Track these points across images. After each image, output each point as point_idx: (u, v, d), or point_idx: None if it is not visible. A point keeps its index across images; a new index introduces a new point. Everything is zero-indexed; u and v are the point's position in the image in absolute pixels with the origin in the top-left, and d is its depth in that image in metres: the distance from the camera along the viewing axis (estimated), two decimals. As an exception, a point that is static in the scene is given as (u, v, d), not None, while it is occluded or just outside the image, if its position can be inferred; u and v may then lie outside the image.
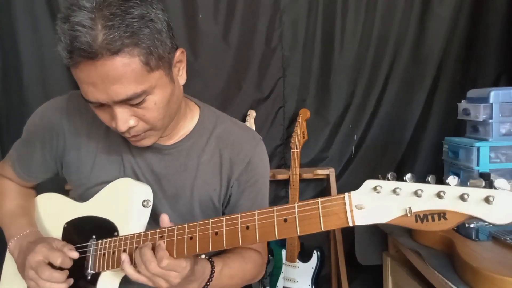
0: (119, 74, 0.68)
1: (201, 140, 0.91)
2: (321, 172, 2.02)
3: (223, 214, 0.95)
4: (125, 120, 0.74)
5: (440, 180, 0.57)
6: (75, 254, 0.84)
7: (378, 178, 0.61)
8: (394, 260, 1.65)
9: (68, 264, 0.84)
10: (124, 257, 0.76)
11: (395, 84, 2.07)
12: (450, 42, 2.05)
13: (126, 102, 0.72)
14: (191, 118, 0.92)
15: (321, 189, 2.14)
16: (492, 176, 1.36)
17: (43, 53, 1.89)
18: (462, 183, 0.56)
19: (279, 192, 2.10)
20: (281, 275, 2.02)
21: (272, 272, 2.04)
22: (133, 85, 0.70)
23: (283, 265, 2.02)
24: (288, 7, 2.01)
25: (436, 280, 1.22)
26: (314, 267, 1.99)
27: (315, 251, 2.00)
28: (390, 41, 2.04)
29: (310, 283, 1.98)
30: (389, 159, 2.11)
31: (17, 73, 1.89)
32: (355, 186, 0.61)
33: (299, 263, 2.00)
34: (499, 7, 2.00)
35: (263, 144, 0.96)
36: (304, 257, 2.01)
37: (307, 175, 2.00)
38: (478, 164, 1.44)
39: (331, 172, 2.01)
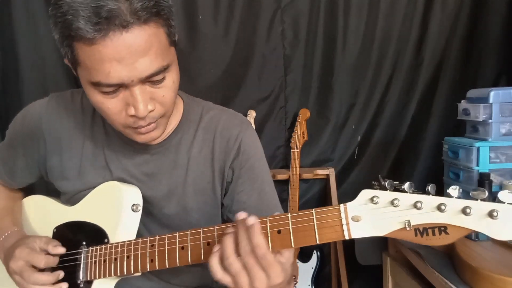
0: (148, 45, 0.66)
1: (189, 133, 0.89)
2: (321, 172, 2.01)
3: (222, 205, 0.92)
4: (146, 102, 0.70)
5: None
6: (61, 250, 0.82)
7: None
8: (394, 260, 1.65)
9: (54, 262, 0.82)
10: (217, 249, 0.65)
11: (397, 84, 2.06)
12: (450, 42, 2.03)
13: (150, 79, 0.69)
14: (176, 111, 0.89)
15: (321, 189, 2.13)
16: (492, 176, 1.37)
17: (43, 53, 1.88)
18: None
19: (279, 193, 2.09)
20: (281, 275, 2.02)
21: (272, 272, 2.04)
22: (159, 59, 0.68)
23: (283, 265, 2.02)
24: (289, 5, 1.98)
25: (436, 280, 1.22)
26: (314, 267, 1.99)
27: (314, 251, 2.00)
28: (393, 40, 2.02)
29: (310, 283, 1.98)
30: (389, 159, 2.10)
31: (16, 73, 1.88)
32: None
33: (298, 263, 2.00)
34: (499, 7, 1.99)
35: (252, 128, 0.94)
36: (304, 257, 2.01)
37: (307, 175, 2.00)
38: (478, 164, 1.43)
39: (331, 172, 2.00)
